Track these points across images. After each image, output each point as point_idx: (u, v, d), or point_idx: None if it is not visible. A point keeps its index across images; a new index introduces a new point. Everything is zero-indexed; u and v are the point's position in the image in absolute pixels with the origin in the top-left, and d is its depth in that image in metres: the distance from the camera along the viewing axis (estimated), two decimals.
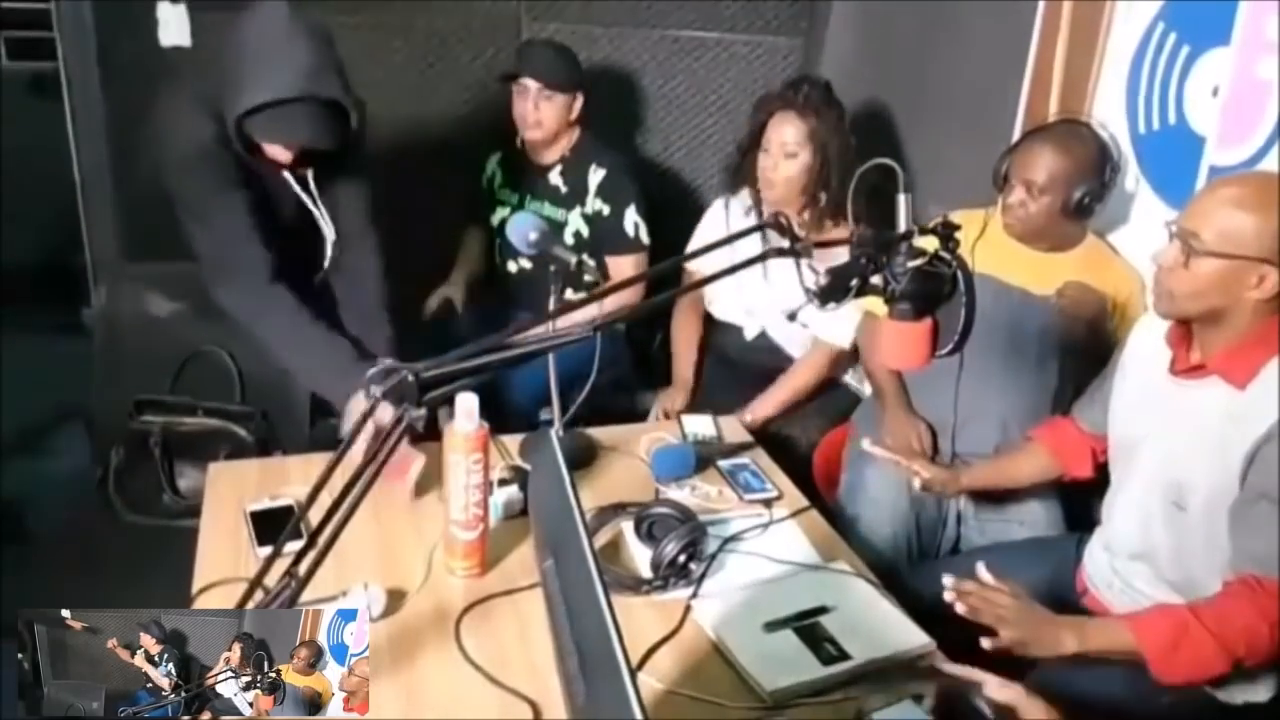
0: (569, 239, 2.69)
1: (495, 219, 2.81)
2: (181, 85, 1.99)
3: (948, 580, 1.50)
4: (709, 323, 2.72)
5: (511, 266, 2.78)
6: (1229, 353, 1.52)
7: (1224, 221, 1.46)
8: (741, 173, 2.59)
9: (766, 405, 2.48)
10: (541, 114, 2.60)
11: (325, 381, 1.97)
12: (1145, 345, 1.71)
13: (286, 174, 1.99)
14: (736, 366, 2.65)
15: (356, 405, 1.82)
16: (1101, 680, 1.56)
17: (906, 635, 1.45)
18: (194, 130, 1.89)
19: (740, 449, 1.95)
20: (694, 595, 1.51)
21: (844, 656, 1.39)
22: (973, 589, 1.51)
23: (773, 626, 1.44)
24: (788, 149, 2.44)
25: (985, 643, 1.47)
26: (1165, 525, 1.60)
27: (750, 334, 2.64)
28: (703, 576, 1.54)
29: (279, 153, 1.91)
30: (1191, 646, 1.47)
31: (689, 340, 2.67)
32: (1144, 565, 1.65)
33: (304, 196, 2.02)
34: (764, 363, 2.60)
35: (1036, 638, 1.48)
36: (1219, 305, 1.50)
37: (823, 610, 1.48)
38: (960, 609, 1.49)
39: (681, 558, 1.52)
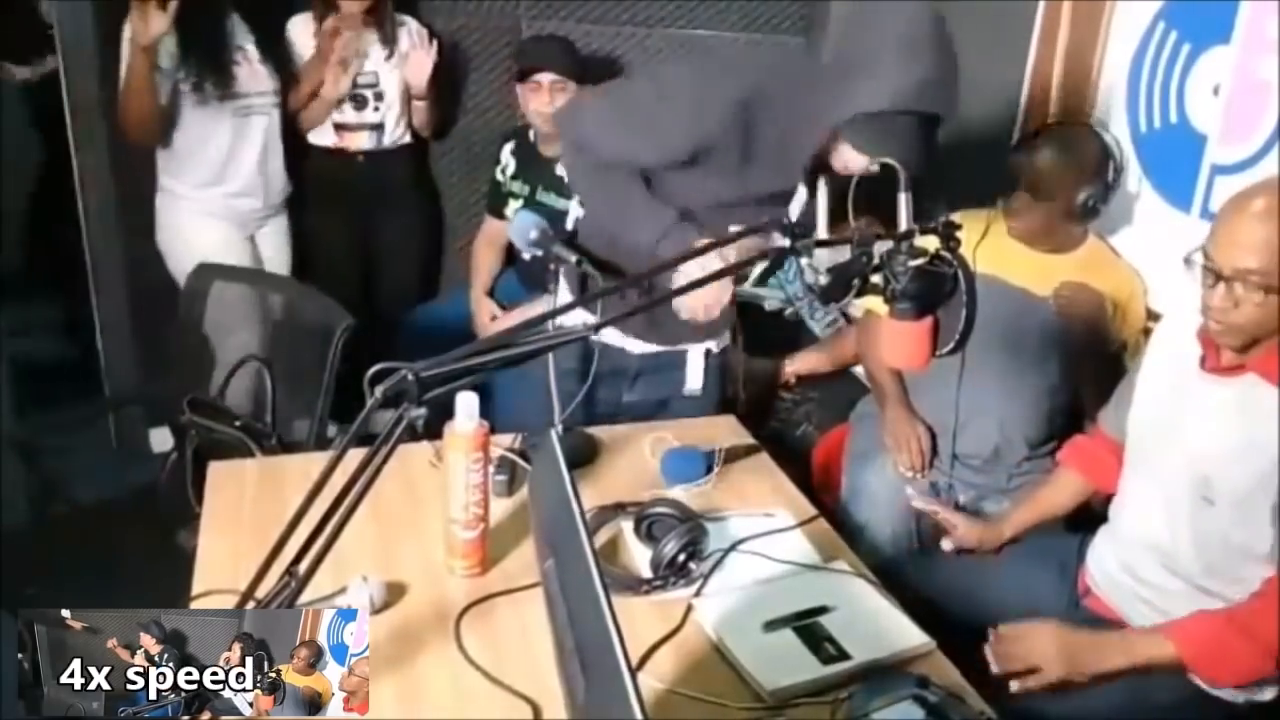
0: (570, 226, 2.73)
1: (509, 210, 2.89)
2: None
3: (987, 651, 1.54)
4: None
5: (526, 254, 2.83)
6: (1267, 352, 1.50)
7: (1269, 246, 1.41)
8: None
9: (807, 361, 2.58)
10: (558, 105, 2.67)
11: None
12: (1170, 344, 1.69)
13: None
14: (759, 338, 2.67)
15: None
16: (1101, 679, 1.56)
17: (906, 635, 1.45)
18: None
19: (746, 452, 1.94)
20: (697, 594, 1.51)
21: (844, 656, 1.39)
22: (1000, 645, 1.55)
23: (773, 626, 1.44)
24: None
25: (1015, 685, 1.52)
26: (1190, 519, 1.59)
27: (770, 305, 2.66)
28: (707, 577, 1.54)
29: None
30: (1232, 651, 1.48)
31: None
32: (1161, 560, 1.65)
33: None
34: (789, 333, 2.66)
35: (1078, 665, 1.52)
36: None
37: (823, 610, 1.47)
38: (996, 669, 1.53)
39: (681, 557, 1.52)
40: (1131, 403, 1.76)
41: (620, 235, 1.83)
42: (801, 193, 1.78)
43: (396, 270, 3.11)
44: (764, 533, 1.67)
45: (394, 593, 1.46)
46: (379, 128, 2.93)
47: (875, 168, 1.53)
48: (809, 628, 1.44)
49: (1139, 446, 1.73)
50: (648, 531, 1.62)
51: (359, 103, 2.88)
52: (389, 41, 2.87)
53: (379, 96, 2.89)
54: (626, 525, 1.66)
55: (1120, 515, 1.76)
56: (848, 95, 1.57)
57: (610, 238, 1.86)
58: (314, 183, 2.94)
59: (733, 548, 1.61)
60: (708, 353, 2.06)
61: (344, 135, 2.92)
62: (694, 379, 2.06)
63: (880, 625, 1.46)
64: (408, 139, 3.02)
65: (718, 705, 1.31)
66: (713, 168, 1.74)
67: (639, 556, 1.59)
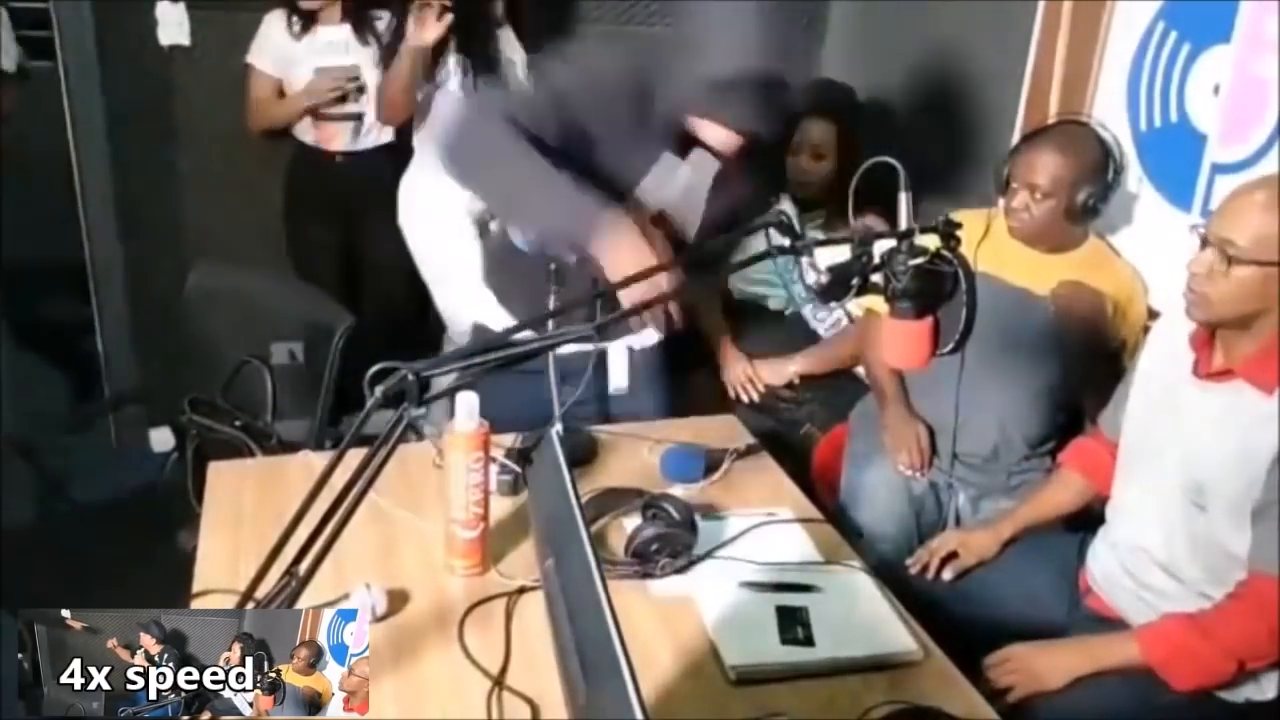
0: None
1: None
2: None
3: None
4: (731, 303, 2.75)
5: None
6: (1257, 358, 1.52)
7: (1259, 227, 1.45)
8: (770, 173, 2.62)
9: (809, 361, 2.57)
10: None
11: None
12: (1165, 348, 1.70)
13: None
14: (762, 337, 2.67)
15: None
16: (1101, 681, 1.56)
17: (890, 638, 1.41)
18: None
19: (747, 451, 1.93)
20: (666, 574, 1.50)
21: (809, 643, 1.38)
22: (988, 671, 1.58)
23: (759, 587, 1.46)
24: (818, 150, 2.53)
25: (1011, 696, 1.56)
26: (1184, 525, 1.60)
27: (774, 305, 2.66)
28: (681, 571, 1.54)
29: None
30: (1193, 653, 1.49)
31: (719, 322, 2.69)
32: (1158, 564, 1.65)
33: None
34: (793, 332, 2.64)
35: (1043, 677, 1.56)
36: (1255, 310, 1.50)
37: (814, 589, 1.48)
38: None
39: (653, 547, 1.52)
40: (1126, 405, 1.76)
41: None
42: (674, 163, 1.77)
43: (380, 276, 3.08)
44: (758, 523, 1.67)
45: (396, 600, 1.45)
46: (358, 119, 2.92)
47: (736, 138, 1.66)
48: (791, 610, 1.44)
49: (1132, 450, 1.74)
50: (651, 520, 1.62)
51: (340, 97, 2.89)
52: (367, 33, 2.86)
53: (360, 90, 2.89)
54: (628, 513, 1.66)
55: (1116, 519, 1.76)
56: (693, 68, 1.65)
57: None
58: (293, 182, 3.00)
59: (714, 550, 1.59)
60: (629, 350, 2.01)
61: (322, 128, 2.92)
62: (618, 377, 2.00)
63: (865, 623, 1.44)
64: (387, 137, 2.98)
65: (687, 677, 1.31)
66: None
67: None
